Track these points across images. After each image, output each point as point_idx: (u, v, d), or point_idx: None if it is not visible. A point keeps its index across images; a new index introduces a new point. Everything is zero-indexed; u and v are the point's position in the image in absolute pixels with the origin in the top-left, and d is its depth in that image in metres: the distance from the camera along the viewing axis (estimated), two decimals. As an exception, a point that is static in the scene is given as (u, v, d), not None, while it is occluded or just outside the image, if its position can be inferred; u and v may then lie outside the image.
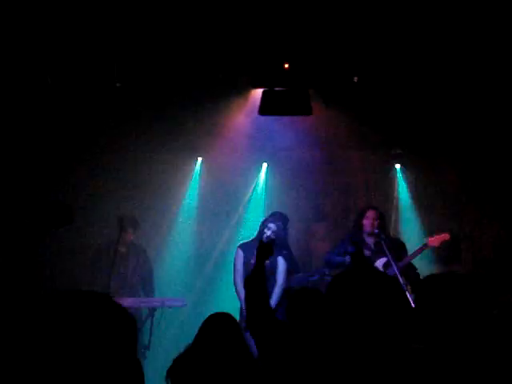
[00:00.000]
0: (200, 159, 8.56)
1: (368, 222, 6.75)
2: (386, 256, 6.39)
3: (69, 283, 7.35)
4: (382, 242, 6.48)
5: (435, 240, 6.81)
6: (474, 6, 5.85)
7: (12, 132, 7.42)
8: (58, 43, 6.52)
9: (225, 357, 3.97)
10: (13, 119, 7.35)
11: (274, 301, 6.50)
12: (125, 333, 2.96)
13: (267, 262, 6.44)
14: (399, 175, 8.43)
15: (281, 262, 6.65)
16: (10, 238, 7.12)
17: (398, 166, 8.44)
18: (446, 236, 6.79)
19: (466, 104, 7.49)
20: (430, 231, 8.15)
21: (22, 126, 7.47)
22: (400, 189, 8.43)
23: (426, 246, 6.84)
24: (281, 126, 7.99)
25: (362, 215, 6.84)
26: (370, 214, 6.79)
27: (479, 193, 8.14)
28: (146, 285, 7.35)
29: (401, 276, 6.02)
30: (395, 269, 6.09)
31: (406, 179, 8.39)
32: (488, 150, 7.90)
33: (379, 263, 6.52)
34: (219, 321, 4.17)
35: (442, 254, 7.78)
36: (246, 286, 3.66)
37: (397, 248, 6.62)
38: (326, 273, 6.66)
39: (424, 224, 8.19)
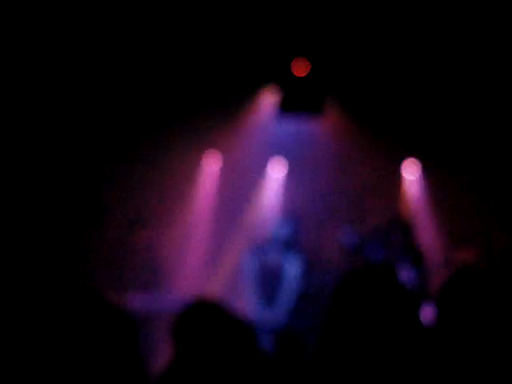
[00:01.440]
0: (215, 157, 8.54)
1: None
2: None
3: (81, 281, 7.36)
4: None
5: (464, 256, 6.78)
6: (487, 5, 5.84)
7: (24, 137, 7.46)
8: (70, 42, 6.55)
9: (237, 359, 3.94)
10: (22, 121, 7.38)
11: (283, 307, 6.45)
12: (123, 332, 2.96)
13: (278, 262, 6.51)
14: (412, 177, 8.41)
15: (294, 264, 6.61)
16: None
17: (410, 168, 8.41)
18: (475, 254, 6.78)
19: (481, 108, 7.47)
20: (442, 235, 8.14)
21: (34, 130, 7.50)
22: (412, 191, 8.40)
23: (453, 261, 6.77)
24: (293, 128, 7.97)
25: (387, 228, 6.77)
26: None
27: (490, 198, 8.10)
28: (157, 283, 7.34)
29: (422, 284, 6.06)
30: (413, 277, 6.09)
31: (419, 182, 8.36)
32: (501, 154, 7.86)
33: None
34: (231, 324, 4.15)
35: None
36: None
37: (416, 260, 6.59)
38: None
39: (436, 227, 8.16)
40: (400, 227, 6.76)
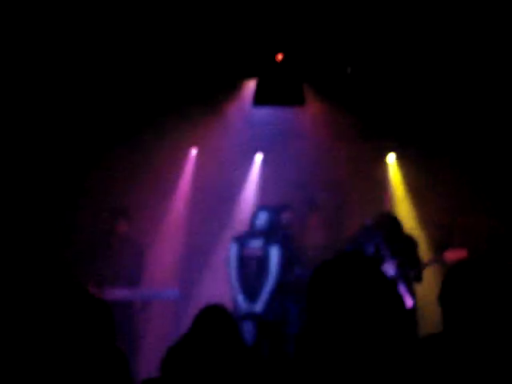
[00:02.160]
0: (194, 150, 8.56)
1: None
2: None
3: (62, 274, 7.33)
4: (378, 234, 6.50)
5: (452, 255, 6.65)
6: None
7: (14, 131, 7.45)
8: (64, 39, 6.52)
9: (219, 348, 3.95)
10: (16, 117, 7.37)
11: (264, 296, 6.44)
12: (99, 321, 2.96)
13: (260, 251, 6.52)
14: (393, 166, 8.44)
15: (274, 253, 6.58)
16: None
17: (392, 157, 8.44)
18: (463, 253, 6.64)
19: (462, 94, 7.49)
20: (424, 223, 8.18)
21: (23, 125, 7.48)
22: (393, 180, 8.43)
23: (441, 260, 6.62)
24: (274, 118, 7.97)
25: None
26: None
27: (474, 184, 8.14)
28: (138, 276, 7.32)
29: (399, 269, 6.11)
30: (388, 259, 6.11)
31: (401, 170, 8.39)
32: (484, 141, 7.89)
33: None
34: (213, 312, 4.15)
35: (435, 246, 7.79)
36: None
37: (407, 246, 6.62)
38: None
39: (418, 216, 8.19)
40: (389, 222, 6.78)
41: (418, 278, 6.55)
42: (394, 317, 2.16)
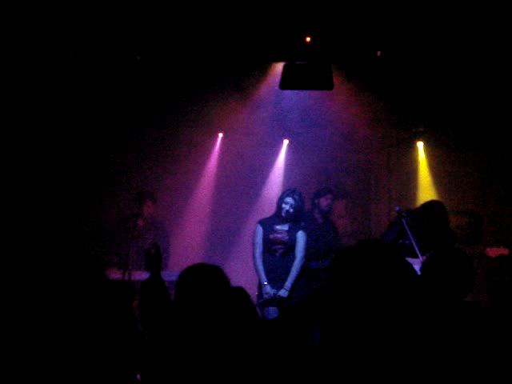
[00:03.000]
0: (220, 135, 8.55)
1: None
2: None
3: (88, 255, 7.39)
4: (403, 220, 6.40)
5: (494, 251, 6.52)
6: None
7: (35, 109, 7.51)
8: (80, 17, 6.52)
9: (237, 330, 3.93)
10: (37, 95, 7.42)
11: (289, 281, 6.42)
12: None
13: (286, 236, 6.47)
14: (421, 153, 8.35)
15: (300, 237, 6.54)
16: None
17: (420, 143, 8.34)
18: (505, 251, 6.51)
19: (492, 82, 7.36)
20: (451, 210, 8.07)
21: (45, 102, 7.52)
22: (422, 167, 8.33)
23: (481, 255, 6.51)
24: (302, 102, 7.92)
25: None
26: None
27: (503, 172, 8.03)
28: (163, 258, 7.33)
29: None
30: (414, 245, 6.02)
31: (428, 157, 8.29)
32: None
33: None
34: (231, 294, 4.13)
35: (464, 234, 7.70)
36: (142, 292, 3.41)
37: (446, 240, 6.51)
38: None
39: (446, 203, 8.09)
40: (431, 212, 6.64)
41: None
42: (418, 307, 2.14)
